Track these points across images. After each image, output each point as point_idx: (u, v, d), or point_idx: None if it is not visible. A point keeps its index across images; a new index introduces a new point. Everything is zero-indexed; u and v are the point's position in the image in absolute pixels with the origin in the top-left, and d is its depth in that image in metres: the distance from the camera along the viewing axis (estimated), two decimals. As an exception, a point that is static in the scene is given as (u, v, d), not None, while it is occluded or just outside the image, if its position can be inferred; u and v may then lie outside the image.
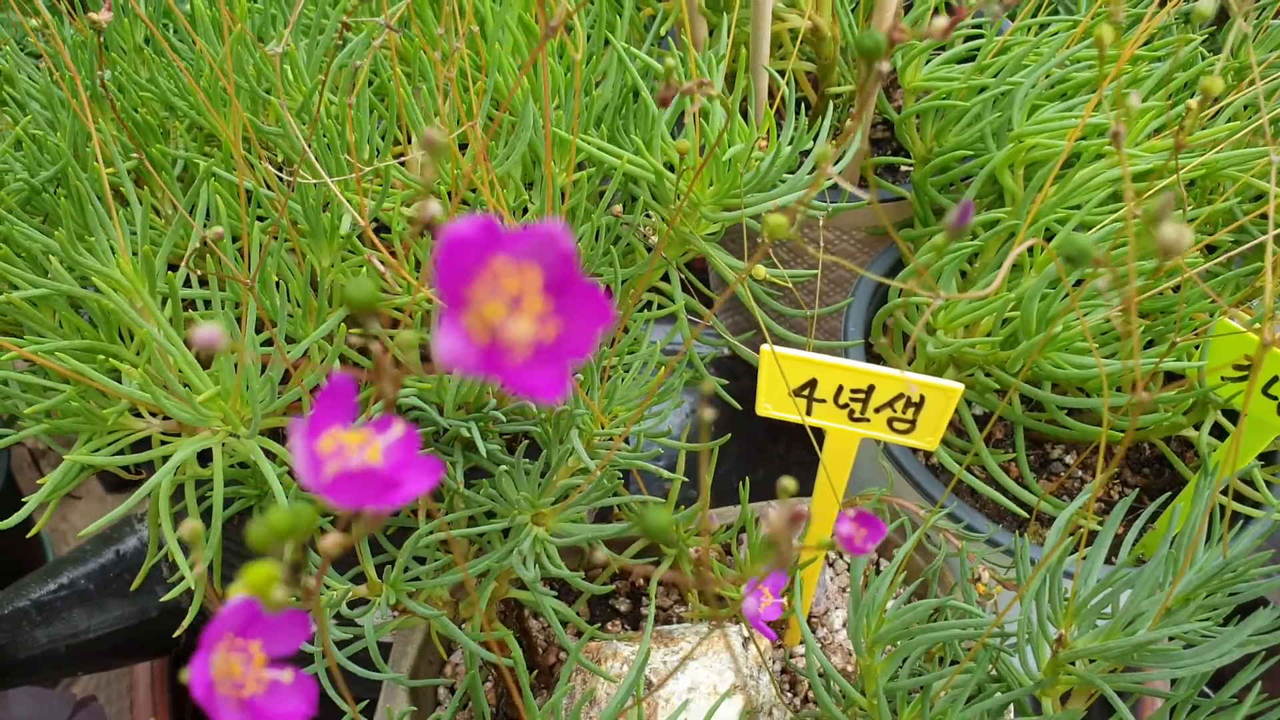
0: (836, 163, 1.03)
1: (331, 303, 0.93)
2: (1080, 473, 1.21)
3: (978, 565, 0.81)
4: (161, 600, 0.95)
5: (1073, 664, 0.79)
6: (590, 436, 0.85)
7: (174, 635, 0.90)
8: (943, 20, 0.41)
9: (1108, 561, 0.88)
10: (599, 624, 1.11)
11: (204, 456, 0.90)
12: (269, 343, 0.89)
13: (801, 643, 1.07)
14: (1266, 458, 1.17)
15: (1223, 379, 0.96)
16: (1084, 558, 0.78)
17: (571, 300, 0.26)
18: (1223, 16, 1.25)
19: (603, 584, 1.02)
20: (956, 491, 1.11)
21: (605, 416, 0.87)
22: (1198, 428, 1.12)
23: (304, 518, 0.30)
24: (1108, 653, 0.72)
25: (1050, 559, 0.75)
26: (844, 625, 1.08)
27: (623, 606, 1.14)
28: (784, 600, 0.72)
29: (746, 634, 0.98)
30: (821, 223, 1.03)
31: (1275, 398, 0.94)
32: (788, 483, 0.46)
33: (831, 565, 1.14)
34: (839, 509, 1.00)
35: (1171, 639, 0.76)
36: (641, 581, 1.15)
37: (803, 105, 1.31)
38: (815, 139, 1.32)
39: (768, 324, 1.12)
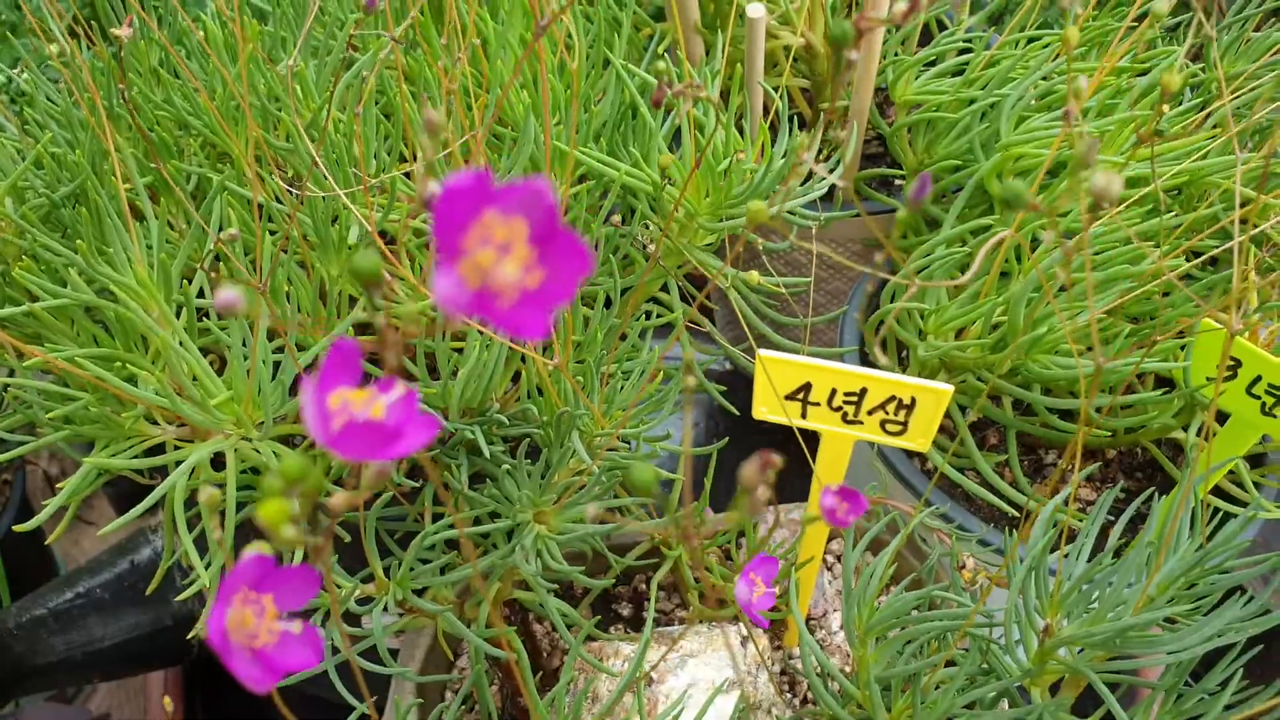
0: (831, 171, 1.06)
1: (340, 312, 0.96)
2: (1072, 474, 1.23)
3: (965, 555, 0.83)
4: (175, 609, 0.97)
5: (1061, 654, 0.81)
6: (590, 437, 0.88)
7: (188, 638, 0.93)
8: (902, 5, 0.44)
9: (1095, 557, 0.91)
10: (601, 627, 1.14)
11: (218, 462, 0.93)
12: (281, 350, 0.92)
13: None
14: (1256, 460, 1.19)
15: (1207, 380, 0.98)
16: (1065, 554, 0.81)
17: (555, 250, 0.29)
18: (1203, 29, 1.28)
19: (604, 583, 1.04)
20: (951, 495, 1.14)
21: (605, 420, 0.90)
22: (1187, 429, 1.14)
23: (314, 471, 0.33)
24: (1091, 639, 0.74)
25: (1036, 550, 0.77)
26: (842, 626, 1.10)
27: (625, 611, 1.16)
28: (775, 590, 0.74)
29: (745, 633, 1.00)
30: (814, 232, 1.06)
31: (1258, 397, 0.96)
32: (773, 458, 0.49)
33: (830, 569, 1.16)
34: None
35: (1154, 626, 0.78)
36: (644, 587, 1.18)
37: (797, 120, 1.34)
38: (824, 150, 1.35)
39: (764, 333, 1.15)
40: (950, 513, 1.09)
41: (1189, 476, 0.86)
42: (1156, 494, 0.92)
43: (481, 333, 0.90)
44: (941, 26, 1.41)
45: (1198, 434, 1.09)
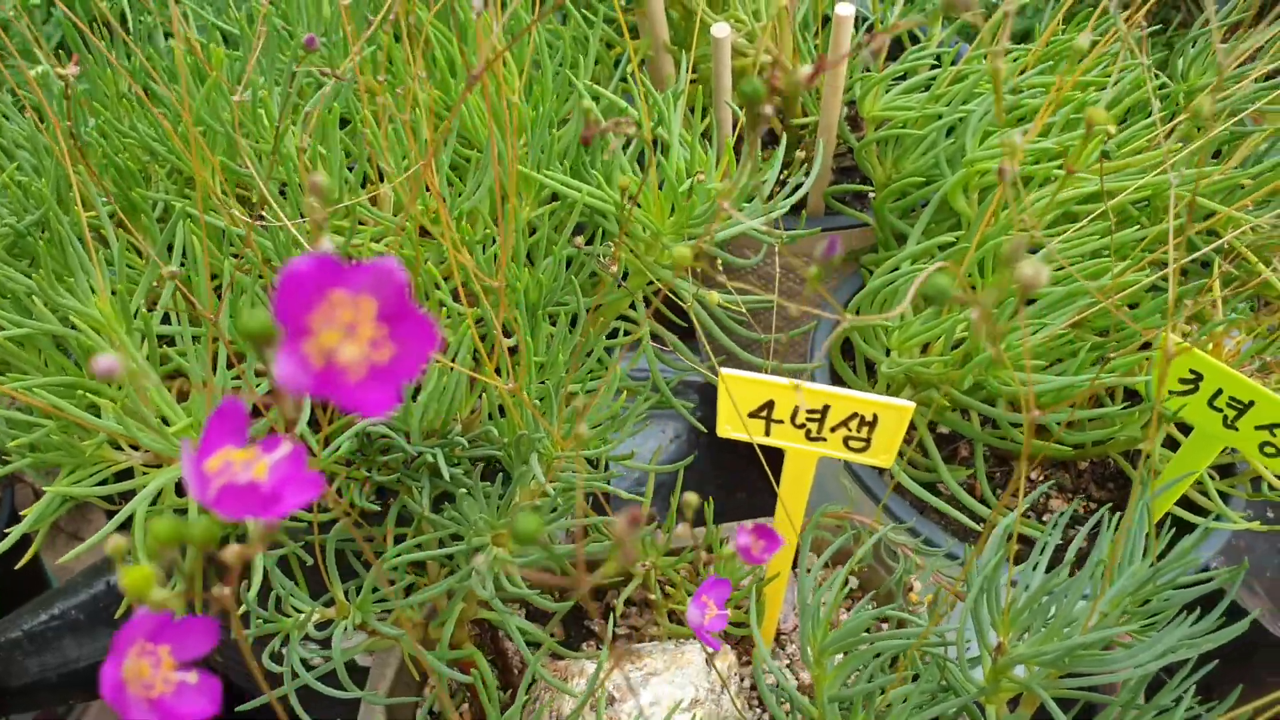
0: (794, 191, 1.07)
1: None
2: (1047, 489, 1.23)
3: (910, 576, 0.84)
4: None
5: (1019, 672, 0.81)
6: (550, 459, 0.88)
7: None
8: (807, 69, 0.44)
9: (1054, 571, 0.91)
10: (574, 644, 1.14)
11: (183, 488, 0.94)
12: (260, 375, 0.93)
13: (773, 656, 1.10)
14: (1226, 469, 1.20)
15: (1170, 393, 0.99)
16: (1014, 571, 0.81)
17: (405, 327, 0.30)
18: (1170, 43, 1.28)
19: (571, 603, 1.05)
20: (921, 509, 1.14)
21: (565, 441, 0.90)
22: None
23: (198, 527, 0.34)
24: (1042, 657, 0.74)
25: (987, 569, 0.78)
26: (813, 641, 1.10)
27: (597, 627, 1.17)
28: (728, 611, 0.74)
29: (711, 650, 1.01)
30: (776, 248, 1.06)
31: (1220, 410, 0.97)
32: (690, 497, 0.50)
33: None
34: (800, 526, 1.03)
35: (1108, 645, 0.79)
36: (616, 602, 1.18)
37: (770, 137, 1.35)
38: (784, 168, 1.36)
39: (732, 350, 1.16)
40: (919, 527, 1.09)
41: (1140, 493, 0.87)
42: (1111, 508, 0.93)
43: (439, 360, 0.91)
44: (914, 39, 1.42)
45: (1140, 454, 1.09)
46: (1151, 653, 0.75)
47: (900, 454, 1.20)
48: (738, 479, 1.61)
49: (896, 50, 1.40)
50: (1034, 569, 0.82)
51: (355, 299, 0.29)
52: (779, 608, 1.07)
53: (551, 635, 1.15)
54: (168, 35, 1.12)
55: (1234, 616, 1.65)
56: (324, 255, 0.28)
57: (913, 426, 1.12)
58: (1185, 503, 1.13)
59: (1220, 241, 1.02)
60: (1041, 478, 1.23)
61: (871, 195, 1.33)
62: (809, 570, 1.22)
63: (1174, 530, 1.00)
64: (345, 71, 0.95)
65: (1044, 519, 1.21)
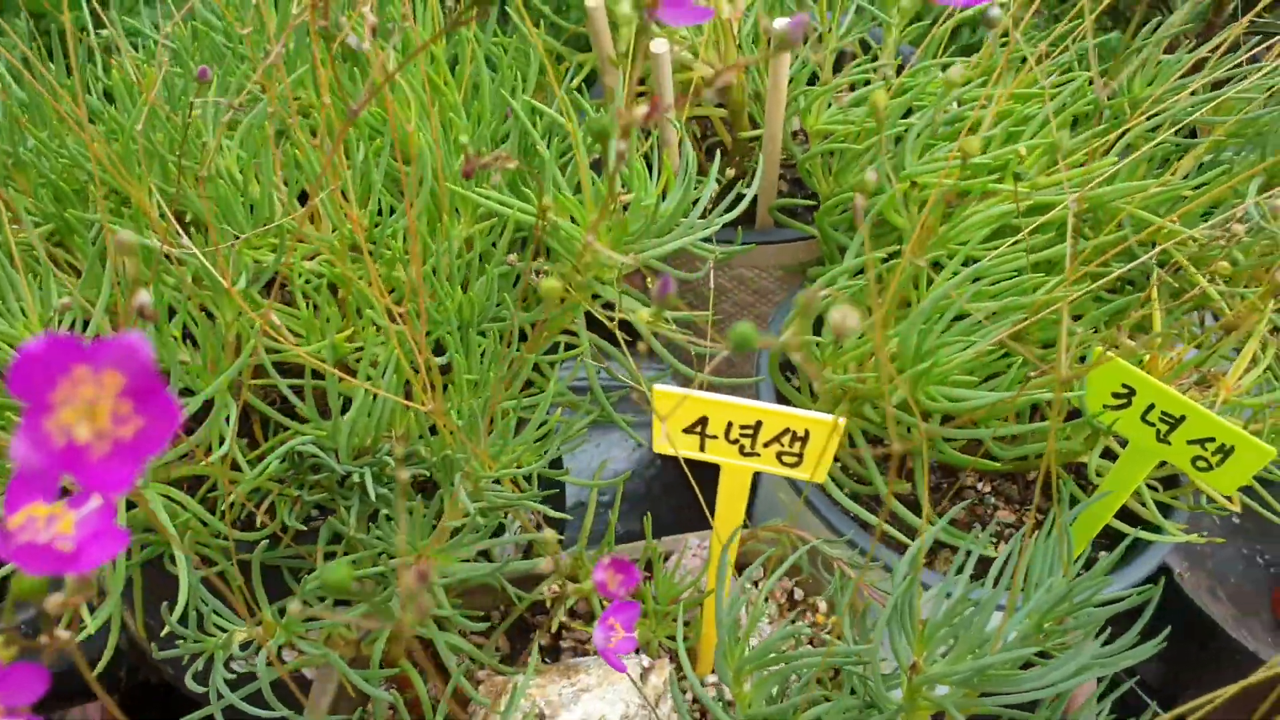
0: (732, 207, 1.07)
1: (239, 353, 0.97)
2: (994, 500, 1.23)
3: (818, 599, 0.84)
4: (97, 645, 0.98)
5: (941, 690, 0.82)
6: (477, 479, 0.89)
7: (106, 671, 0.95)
8: (643, 109, 0.44)
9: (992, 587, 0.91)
10: (519, 656, 1.14)
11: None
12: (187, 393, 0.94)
13: (713, 671, 1.10)
14: (1170, 481, 1.20)
15: (1104, 407, 0.99)
16: (925, 586, 0.81)
17: (150, 403, 0.30)
18: (1111, 54, 1.29)
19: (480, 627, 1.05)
20: (863, 522, 1.14)
21: (493, 462, 0.91)
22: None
23: (24, 583, 0.34)
24: (953, 677, 0.75)
25: (900, 588, 0.78)
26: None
27: (544, 640, 1.17)
28: (635, 634, 0.75)
29: (646, 664, 1.01)
30: (727, 261, 1.07)
31: (1153, 424, 0.97)
32: (549, 534, 0.50)
33: (744, 593, 1.17)
34: (737, 540, 1.03)
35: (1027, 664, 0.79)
36: (563, 617, 1.18)
37: (720, 149, 1.35)
38: (737, 180, 1.36)
39: (676, 367, 1.16)
40: (858, 540, 1.10)
41: (1063, 510, 0.87)
42: (1035, 522, 0.93)
43: (370, 376, 0.92)
44: (866, 48, 1.42)
45: (1084, 466, 1.09)
46: (1061, 672, 0.75)
47: (847, 469, 1.21)
48: (709, 491, 1.61)
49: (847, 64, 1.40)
50: (954, 585, 0.83)
51: (98, 376, 0.29)
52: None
53: (496, 649, 1.16)
54: (113, 52, 1.13)
55: (1196, 626, 1.65)
56: (59, 336, 0.28)
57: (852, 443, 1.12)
58: (1130, 516, 1.13)
59: (1155, 252, 1.03)
60: (989, 490, 1.24)
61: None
62: (755, 583, 1.23)
63: (1109, 544, 1.01)
64: (278, 90, 0.95)
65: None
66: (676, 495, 1.68)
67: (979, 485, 1.24)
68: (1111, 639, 1.09)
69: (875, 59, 1.35)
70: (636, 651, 1.04)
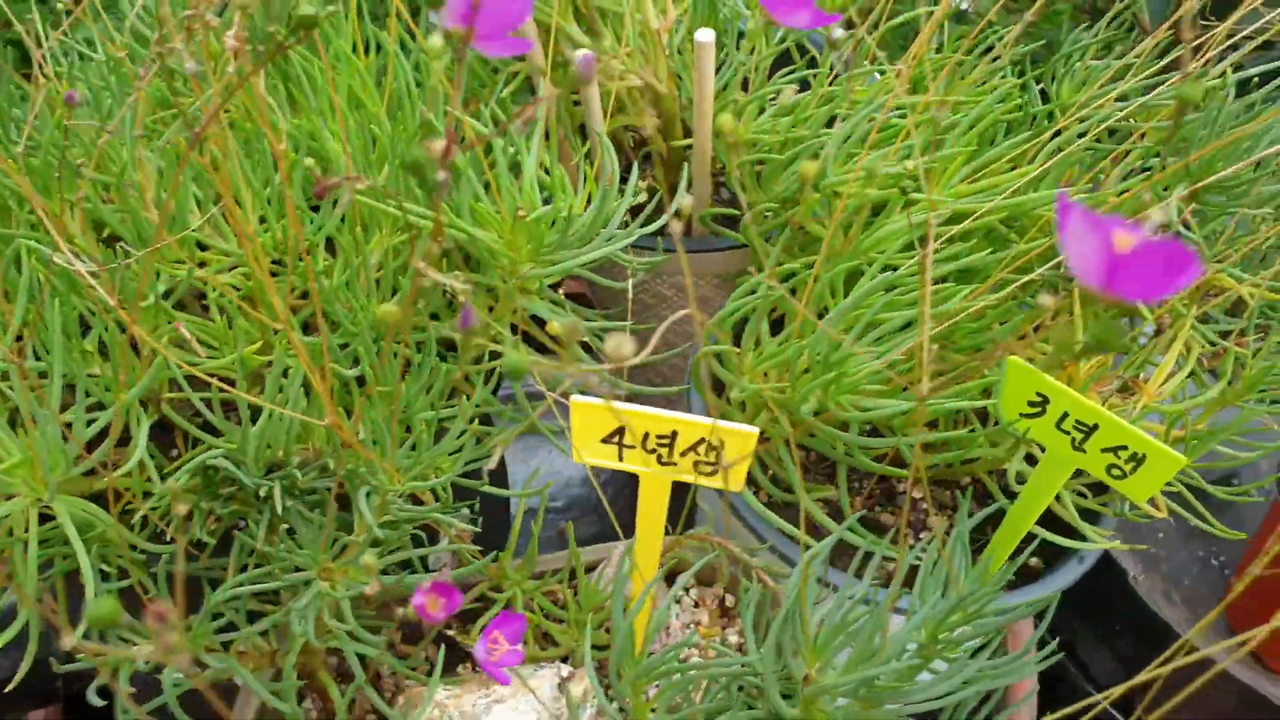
0: (653, 217, 1.08)
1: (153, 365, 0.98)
2: (926, 506, 1.23)
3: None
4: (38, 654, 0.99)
5: (841, 702, 0.82)
6: (385, 493, 0.89)
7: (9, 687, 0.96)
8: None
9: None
10: (451, 666, 1.15)
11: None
12: (98, 408, 0.94)
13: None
14: (1100, 487, 1.20)
15: (1020, 415, 0.99)
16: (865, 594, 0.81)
17: None
18: (1036, 59, 1.29)
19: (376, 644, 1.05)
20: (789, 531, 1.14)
21: (402, 474, 0.91)
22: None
23: None
24: (841, 688, 0.75)
25: (791, 598, 0.78)
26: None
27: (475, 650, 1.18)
28: (520, 647, 0.75)
29: (566, 674, 1.02)
30: (663, 270, 1.07)
31: (1068, 433, 0.97)
32: (370, 559, 0.51)
33: (678, 601, 1.17)
34: (658, 549, 1.04)
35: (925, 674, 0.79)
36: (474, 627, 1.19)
37: (660, 158, 1.35)
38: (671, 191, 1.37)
39: (605, 378, 1.16)
40: (781, 547, 1.10)
41: (962, 519, 0.88)
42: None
43: (282, 388, 0.92)
44: (804, 51, 1.42)
45: (984, 472, 1.09)
46: (949, 684, 0.76)
47: (778, 480, 1.21)
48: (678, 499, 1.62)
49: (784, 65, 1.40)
50: (849, 595, 0.83)
51: None
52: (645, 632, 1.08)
53: (426, 659, 1.16)
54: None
55: (1149, 630, 1.65)
56: None
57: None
58: (1051, 521, 1.13)
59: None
60: (921, 496, 1.24)
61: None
62: (687, 590, 1.23)
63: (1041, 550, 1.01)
64: (204, 104, 0.96)
65: (920, 536, 1.22)
66: (629, 501, 1.68)
67: (914, 493, 1.24)
68: (1071, 642, 1.09)
69: (813, 64, 1.35)
70: (564, 660, 1.05)
